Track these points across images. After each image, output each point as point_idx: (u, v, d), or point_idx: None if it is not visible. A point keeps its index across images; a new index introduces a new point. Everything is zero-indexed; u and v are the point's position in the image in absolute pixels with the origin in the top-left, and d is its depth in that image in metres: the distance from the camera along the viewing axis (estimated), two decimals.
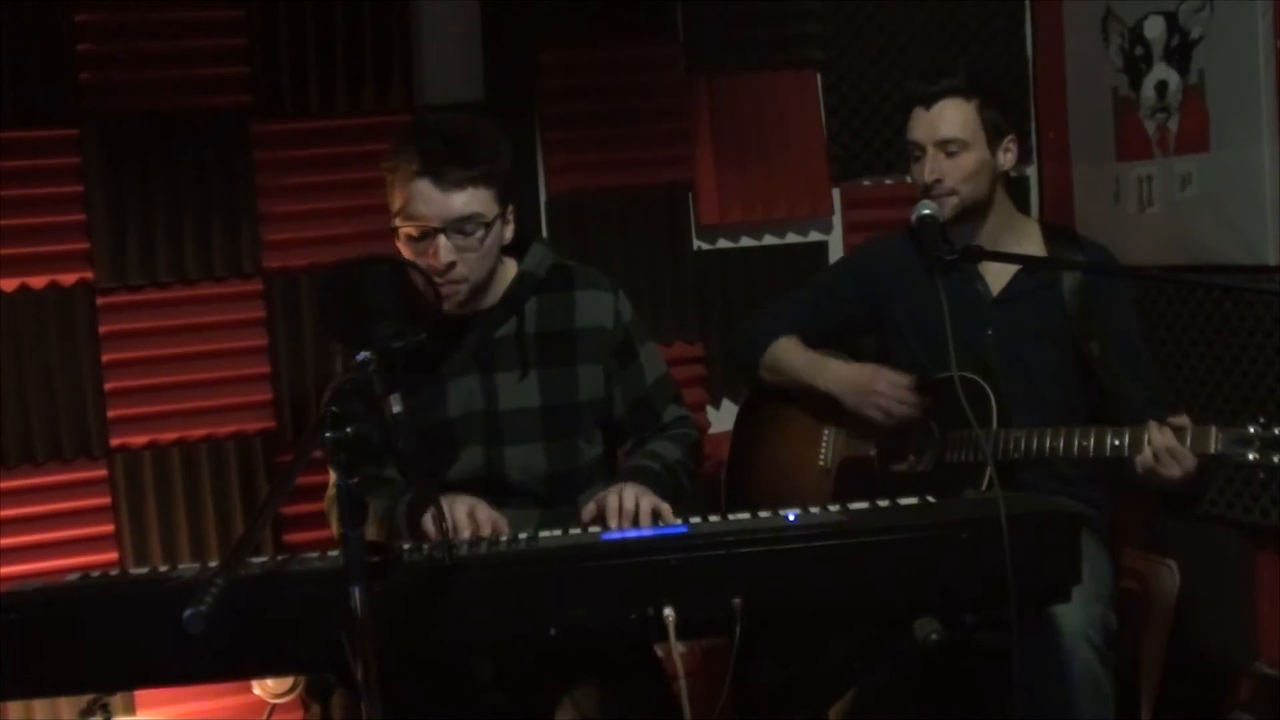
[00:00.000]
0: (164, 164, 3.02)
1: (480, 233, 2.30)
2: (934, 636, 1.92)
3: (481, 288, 2.38)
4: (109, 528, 3.01)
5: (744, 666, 1.92)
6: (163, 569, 2.19)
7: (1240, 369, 3.06)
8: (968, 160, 2.68)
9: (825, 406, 2.82)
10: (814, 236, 3.56)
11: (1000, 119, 2.72)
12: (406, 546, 2.09)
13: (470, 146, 2.29)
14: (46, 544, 2.95)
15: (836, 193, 3.56)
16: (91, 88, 2.96)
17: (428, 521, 2.14)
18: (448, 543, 1.94)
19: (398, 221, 2.32)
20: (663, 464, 2.43)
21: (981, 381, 2.55)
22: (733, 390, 3.42)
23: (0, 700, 2.73)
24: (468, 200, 2.28)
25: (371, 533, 2.35)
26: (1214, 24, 3.05)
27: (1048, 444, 2.47)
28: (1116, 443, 2.40)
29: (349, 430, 1.71)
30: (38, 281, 2.95)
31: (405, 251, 2.32)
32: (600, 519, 2.22)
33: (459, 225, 2.28)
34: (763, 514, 2.11)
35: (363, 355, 1.88)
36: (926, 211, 2.64)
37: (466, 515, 2.18)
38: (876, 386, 2.73)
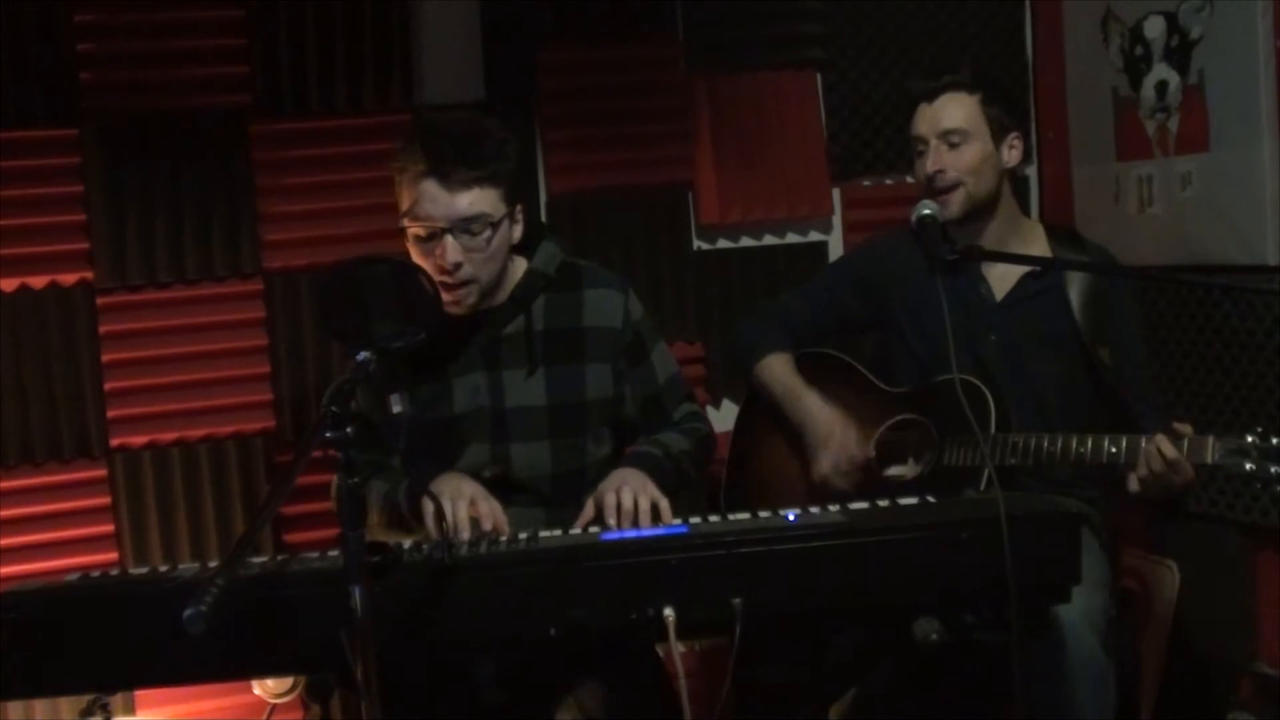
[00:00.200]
0: (164, 164, 3.02)
1: (487, 233, 2.30)
2: (934, 636, 1.93)
3: (491, 289, 2.38)
4: (109, 528, 3.01)
5: (744, 666, 1.92)
6: (163, 569, 2.20)
7: (1240, 369, 3.06)
8: (971, 152, 2.66)
9: None
10: (814, 236, 3.56)
11: (1004, 115, 2.71)
12: (406, 545, 2.09)
13: (477, 146, 2.28)
14: (46, 544, 2.95)
15: (836, 193, 3.56)
16: (91, 88, 2.96)
17: (427, 506, 2.14)
18: (448, 542, 1.94)
19: (406, 221, 2.32)
20: (665, 451, 2.43)
21: (981, 385, 2.54)
22: (733, 390, 3.41)
23: (0, 700, 2.73)
24: (474, 200, 2.28)
25: (374, 518, 2.35)
26: (1214, 24, 3.05)
27: (1045, 449, 2.45)
28: (1114, 450, 2.38)
29: (349, 430, 1.71)
30: (38, 281, 2.95)
31: (413, 251, 2.32)
32: (598, 518, 2.22)
33: (465, 225, 2.28)
34: (763, 514, 2.12)
35: (363, 355, 1.89)
36: (926, 211, 2.64)
37: (467, 509, 2.17)
38: (829, 445, 2.67)
